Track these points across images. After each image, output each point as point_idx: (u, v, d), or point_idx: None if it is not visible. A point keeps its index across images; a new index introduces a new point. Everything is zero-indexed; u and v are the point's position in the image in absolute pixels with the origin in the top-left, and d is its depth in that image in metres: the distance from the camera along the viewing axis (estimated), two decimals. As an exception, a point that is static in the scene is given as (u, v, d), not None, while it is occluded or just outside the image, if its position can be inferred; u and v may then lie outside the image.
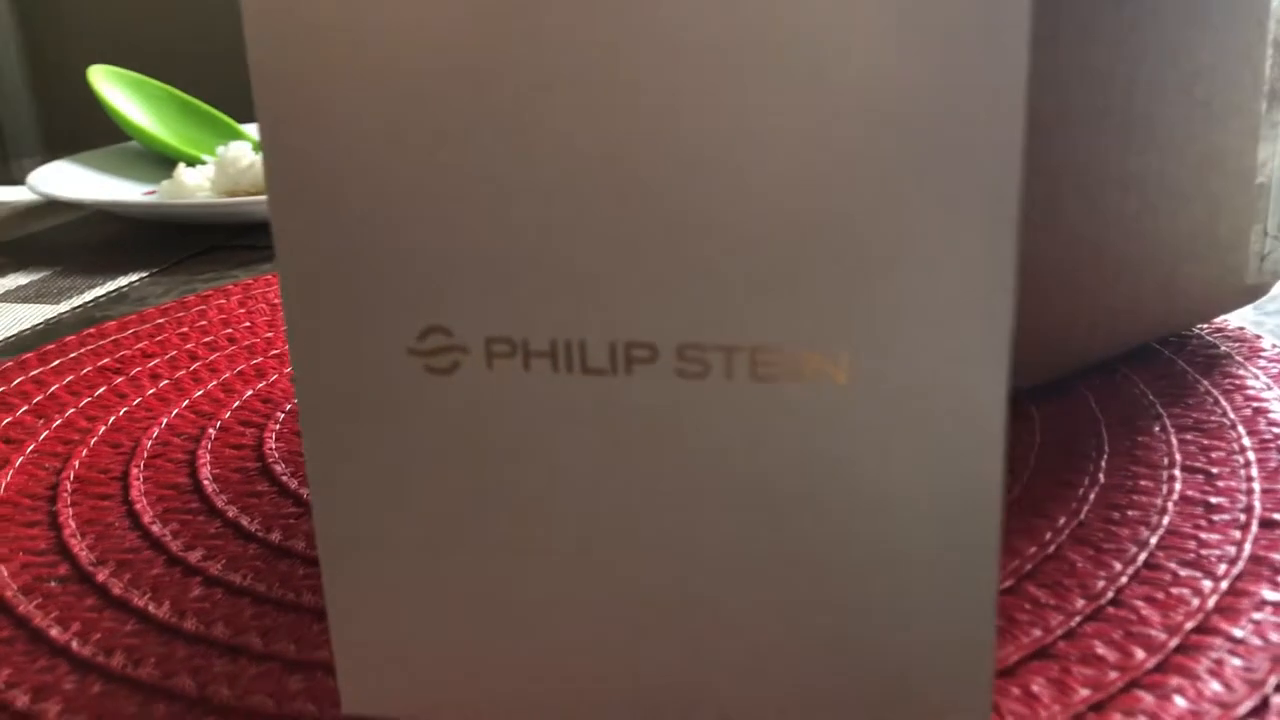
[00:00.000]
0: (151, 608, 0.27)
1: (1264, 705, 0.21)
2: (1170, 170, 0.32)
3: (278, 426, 0.36)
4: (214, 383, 0.40)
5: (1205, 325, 0.38)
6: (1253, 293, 0.35)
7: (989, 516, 0.17)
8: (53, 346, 0.45)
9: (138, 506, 0.32)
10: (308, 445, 0.19)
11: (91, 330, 0.47)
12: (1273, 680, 0.21)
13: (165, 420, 0.37)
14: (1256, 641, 0.22)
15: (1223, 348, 0.37)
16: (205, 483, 0.33)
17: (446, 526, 0.19)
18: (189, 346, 0.44)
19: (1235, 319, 0.39)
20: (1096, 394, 0.34)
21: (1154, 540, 0.26)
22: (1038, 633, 0.23)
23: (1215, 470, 0.29)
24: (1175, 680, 0.21)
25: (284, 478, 0.33)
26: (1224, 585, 0.24)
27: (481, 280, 0.18)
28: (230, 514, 0.31)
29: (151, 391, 0.40)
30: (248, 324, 0.47)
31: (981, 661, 0.18)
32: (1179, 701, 0.21)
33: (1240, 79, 0.33)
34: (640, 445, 0.18)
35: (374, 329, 0.18)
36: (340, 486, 0.19)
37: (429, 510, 0.19)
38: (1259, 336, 0.37)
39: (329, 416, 0.19)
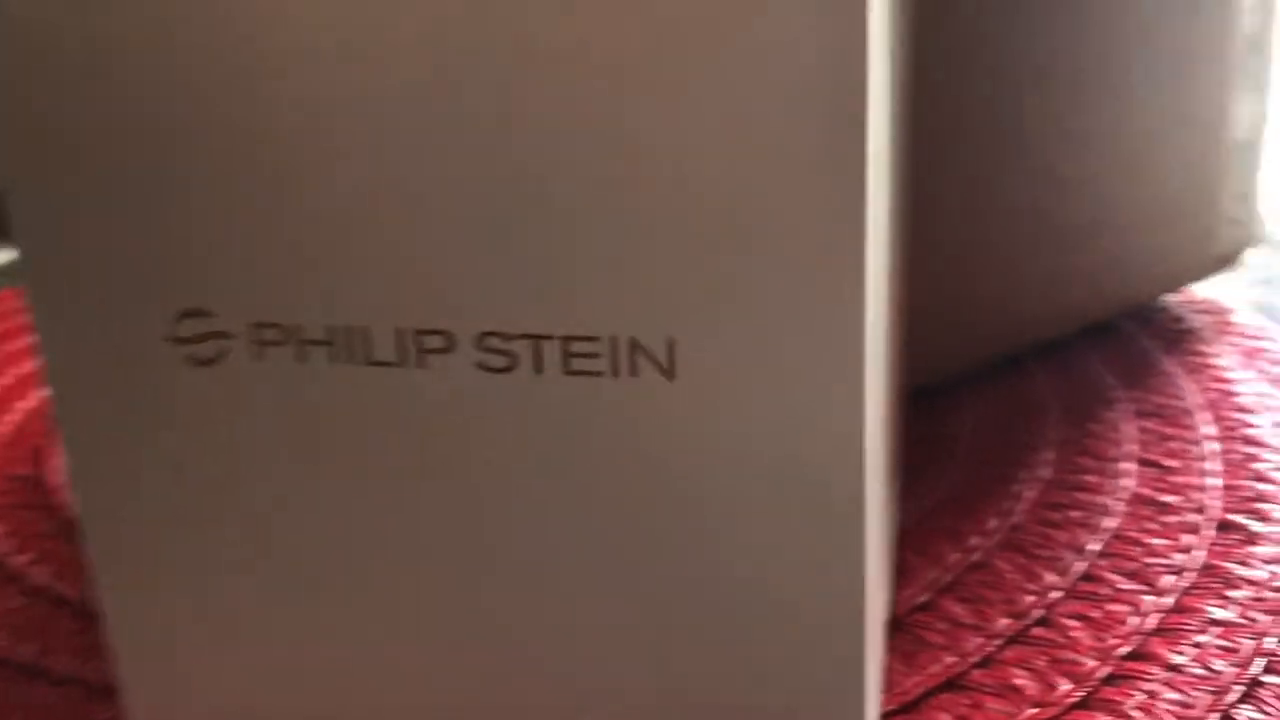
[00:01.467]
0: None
1: (1200, 752, 0.17)
2: (1127, 129, 0.28)
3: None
4: None
5: (1173, 297, 0.35)
6: (1222, 261, 0.32)
7: (851, 531, 0.14)
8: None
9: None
10: (67, 447, 0.16)
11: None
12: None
13: None
14: (1197, 671, 0.19)
15: (1191, 322, 0.33)
16: None
17: (218, 535, 0.16)
18: None
19: (1208, 290, 0.35)
20: (1046, 375, 0.31)
21: (1094, 547, 0.23)
22: (950, 659, 0.20)
23: (1171, 464, 0.26)
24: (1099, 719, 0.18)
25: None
26: (1167, 601, 0.21)
27: (246, 258, 0.15)
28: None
29: None
30: None
31: (854, 703, 0.15)
32: (1100, 747, 0.18)
33: (1210, 26, 0.29)
34: (434, 445, 0.15)
35: (126, 314, 0.15)
36: (104, 493, 0.16)
37: (199, 517, 0.16)
38: (1231, 309, 0.34)
39: (86, 415, 0.16)
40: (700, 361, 0.14)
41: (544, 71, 0.13)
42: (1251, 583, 0.21)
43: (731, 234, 0.14)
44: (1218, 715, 0.18)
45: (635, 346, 0.14)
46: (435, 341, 0.15)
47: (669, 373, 0.14)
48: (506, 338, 0.15)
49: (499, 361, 0.15)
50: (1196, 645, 0.20)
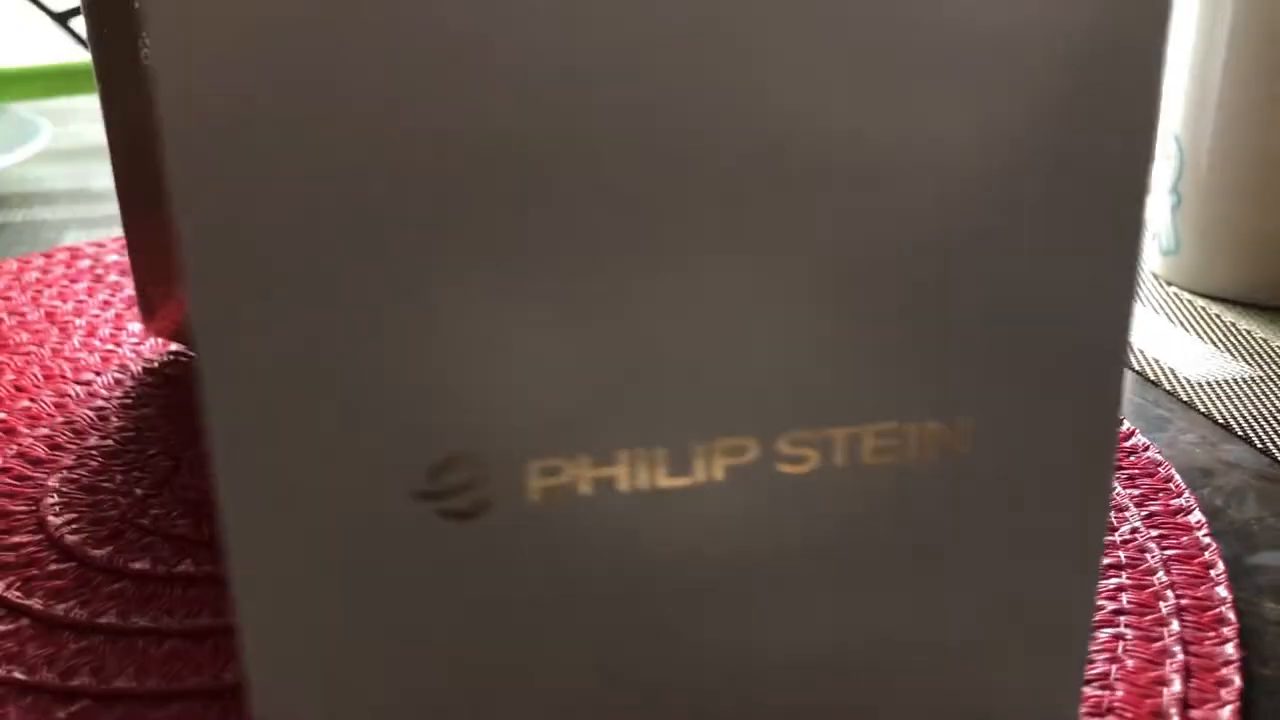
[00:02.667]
0: None
1: None
2: None
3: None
4: None
5: None
6: None
7: (1088, 588, 0.16)
8: None
9: None
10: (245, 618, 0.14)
11: None
12: None
13: None
14: None
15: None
16: None
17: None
18: None
19: None
20: None
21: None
22: None
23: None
24: None
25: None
26: None
27: (525, 389, 0.13)
28: None
29: None
30: None
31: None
32: None
33: None
34: (731, 552, 0.15)
35: (364, 469, 0.13)
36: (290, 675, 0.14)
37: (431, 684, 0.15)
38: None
39: (284, 589, 0.13)
40: (987, 434, 0.14)
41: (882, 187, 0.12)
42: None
43: (1015, 307, 0.13)
44: None
45: (934, 427, 0.14)
46: (736, 451, 0.14)
47: (969, 447, 0.15)
48: (809, 439, 0.14)
49: (798, 462, 0.14)
50: None
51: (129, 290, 0.41)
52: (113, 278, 0.42)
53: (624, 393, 0.13)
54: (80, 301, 0.40)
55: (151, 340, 0.37)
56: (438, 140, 0.12)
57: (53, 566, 0.25)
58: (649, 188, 0.12)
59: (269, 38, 0.11)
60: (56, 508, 0.27)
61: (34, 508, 0.27)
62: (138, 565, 0.25)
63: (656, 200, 0.12)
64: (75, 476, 0.29)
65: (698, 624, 0.14)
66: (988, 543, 0.15)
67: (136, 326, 0.38)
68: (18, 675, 0.22)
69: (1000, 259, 0.13)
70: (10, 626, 0.23)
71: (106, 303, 0.40)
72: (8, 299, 0.40)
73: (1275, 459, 0.30)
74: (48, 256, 0.44)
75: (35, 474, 0.29)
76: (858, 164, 0.13)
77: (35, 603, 0.24)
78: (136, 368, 0.35)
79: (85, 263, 0.44)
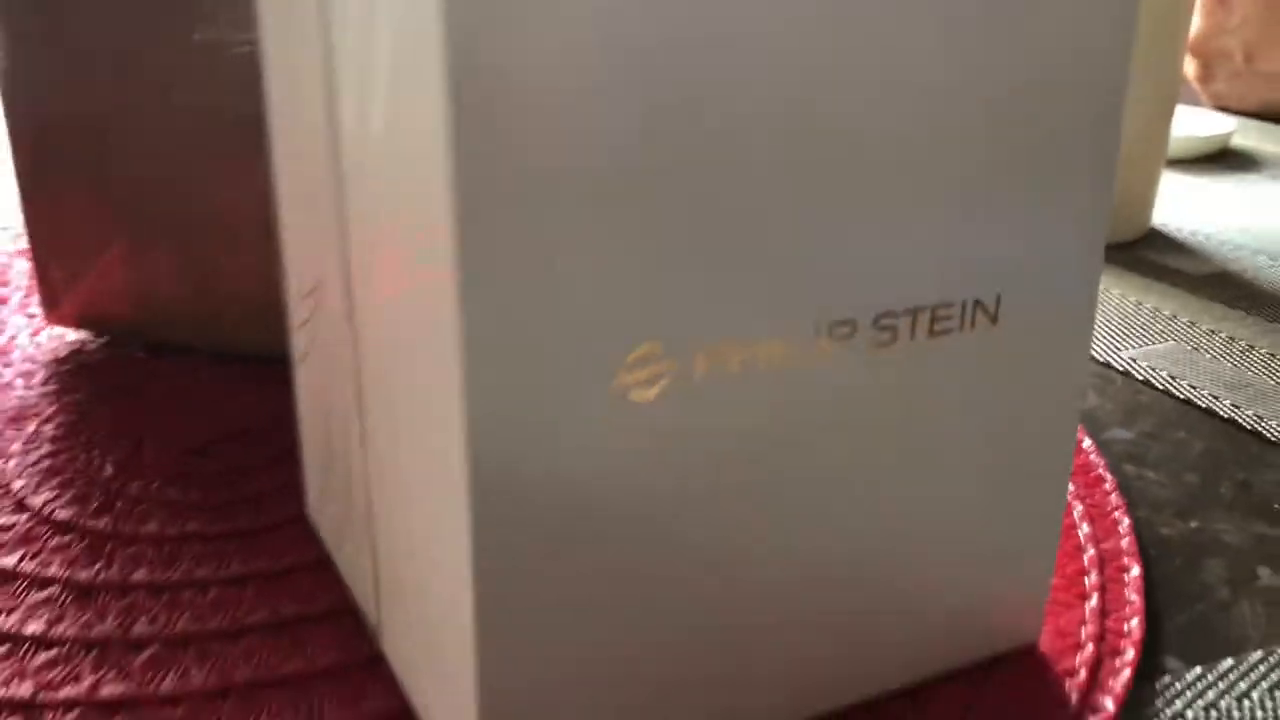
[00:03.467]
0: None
1: None
2: None
3: None
4: None
5: None
6: None
7: (1070, 432, 0.20)
8: None
9: None
10: (474, 499, 0.16)
11: None
12: None
13: None
14: None
15: None
16: None
17: (623, 566, 0.17)
18: None
19: None
20: None
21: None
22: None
23: None
24: None
25: None
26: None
27: (701, 286, 0.16)
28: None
29: None
30: None
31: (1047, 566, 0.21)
32: None
33: None
34: (836, 423, 0.18)
35: (573, 355, 0.15)
36: (511, 544, 0.16)
37: (606, 556, 0.17)
38: None
39: (508, 459, 0.16)
40: (1010, 310, 0.19)
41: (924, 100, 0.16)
42: None
43: (1029, 206, 0.18)
44: None
45: (978, 305, 0.18)
46: (843, 330, 0.17)
47: (994, 320, 0.19)
48: (894, 315, 0.18)
49: (887, 337, 0.18)
50: None
51: (-7, 287, 0.40)
52: (-32, 276, 0.41)
53: (765, 292, 0.16)
54: (-56, 300, 0.39)
55: (49, 330, 0.36)
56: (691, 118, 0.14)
57: (55, 539, 0.25)
58: (792, 156, 0.15)
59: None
60: (29, 489, 0.27)
61: (6, 491, 0.27)
62: (146, 528, 0.26)
63: (793, 161, 0.15)
64: (33, 460, 0.29)
65: (819, 500, 0.18)
66: (1009, 413, 0.19)
67: (20, 321, 0.37)
68: (72, 632, 0.22)
69: (1016, 169, 0.18)
70: (39, 595, 0.23)
71: (-27, 300, 0.39)
72: None
73: (1094, 359, 0.36)
74: (-117, 259, 0.42)
75: (-13, 461, 0.29)
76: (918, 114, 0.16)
77: (55, 569, 0.24)
78: (43, 358, 0.35)
79: (-70, 263, 0.42)
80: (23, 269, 0.42)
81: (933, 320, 0.18)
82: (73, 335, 0.36)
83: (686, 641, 0.18)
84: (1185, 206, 0.53)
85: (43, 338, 0.36)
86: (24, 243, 0.45)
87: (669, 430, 0.16)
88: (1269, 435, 0.31)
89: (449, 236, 0.14)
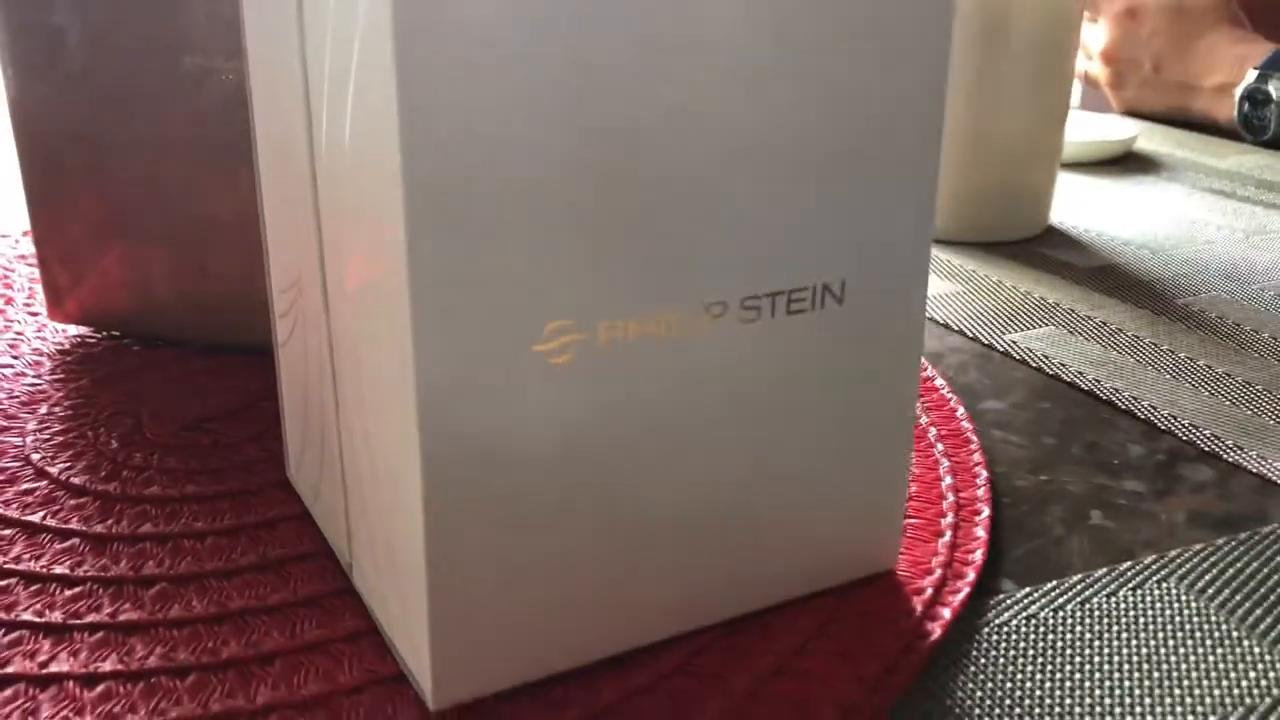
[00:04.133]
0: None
1: None
2: None
3: None
4: None
5: None
6: None
7: (912, 388, 0.25)
8: None
9: None
10: (425, 446, 0.20)
11: None
12: None
13: None
14: None
15: None
16: None
17: (547, 500, 0.22)
18: None
19: None
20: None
21: None
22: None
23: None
24: None
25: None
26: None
27: (603, 272, 0.20)
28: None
29: None
30: None
31: (895, 511, 0.26)
32: None
33: None
34: (711, 384, 0.23)
35: (501, 330, 0.20)
36: (455, 482, 0.21)
37: (534, 492, 0.22)
38: None
39: (451, 419, 0.20)
40: (859, 293, 0.23)
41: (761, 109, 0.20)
42: None
43: (866, 203, 0.23)
44: None
45: (826, 289, 0.23)
46: (716, 309, 0.22)
47: (840, 301, 0.23)
48: (758, 297, 0.22)
49: (752, 315, 0.23)
50: None
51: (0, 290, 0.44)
52: (-27, 279, 0.45)
53: (653, 278, 0.21)
54: (-47, 301, 0.43)
55: (54, 326, 0.41)
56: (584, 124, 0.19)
57: (71, 501, 0.30)
58: (671, 160, 0.20)
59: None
60: (46, 459, 0.32)
61: (23, 461, 0.32)
62: (150, 491, 0.30)
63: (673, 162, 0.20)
64: (47, 436, 0.33)
65: (702, 444, 0.22)
66: (853, 384, 0.24)
67: (25, 318, 0.41)
68: (92, 573, 0.27)
69: (852, 177, 0.22)
70: (62, 545, 0.28)
71: (-20, 300, 0.43)
72: (-125, 303, 0.42)
73: (980, 342, 0.41)
74: (-107, 264, 0.46)
75: (5, 438, 0.33)
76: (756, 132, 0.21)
77: (75, 524, 0.29)
78: (49, 349, 0.39)
79: (-63, 267, 0.46)
80: (25, 273, 0.46)
81: (789, 301, 0.23)
82: (75, 331, 0.40)
83: (596, 561, 0.23)
84: (1083, 206, 0.58)
85: (47, 333, 0.40)
86: (25, 249, 0.49)
87: (581, 389, 0.21)
88: (1120, 404, 0.36)
89: (401, 236, 0.19)
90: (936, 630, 0.25)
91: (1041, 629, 0.25)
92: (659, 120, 0.20)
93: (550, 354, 0.21)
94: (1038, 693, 0.23)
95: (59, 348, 0.39)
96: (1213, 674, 0.24)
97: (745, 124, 0.21)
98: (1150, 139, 0.72)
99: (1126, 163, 0.66)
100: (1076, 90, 0.83)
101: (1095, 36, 0.77)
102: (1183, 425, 0.35)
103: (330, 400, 0.25)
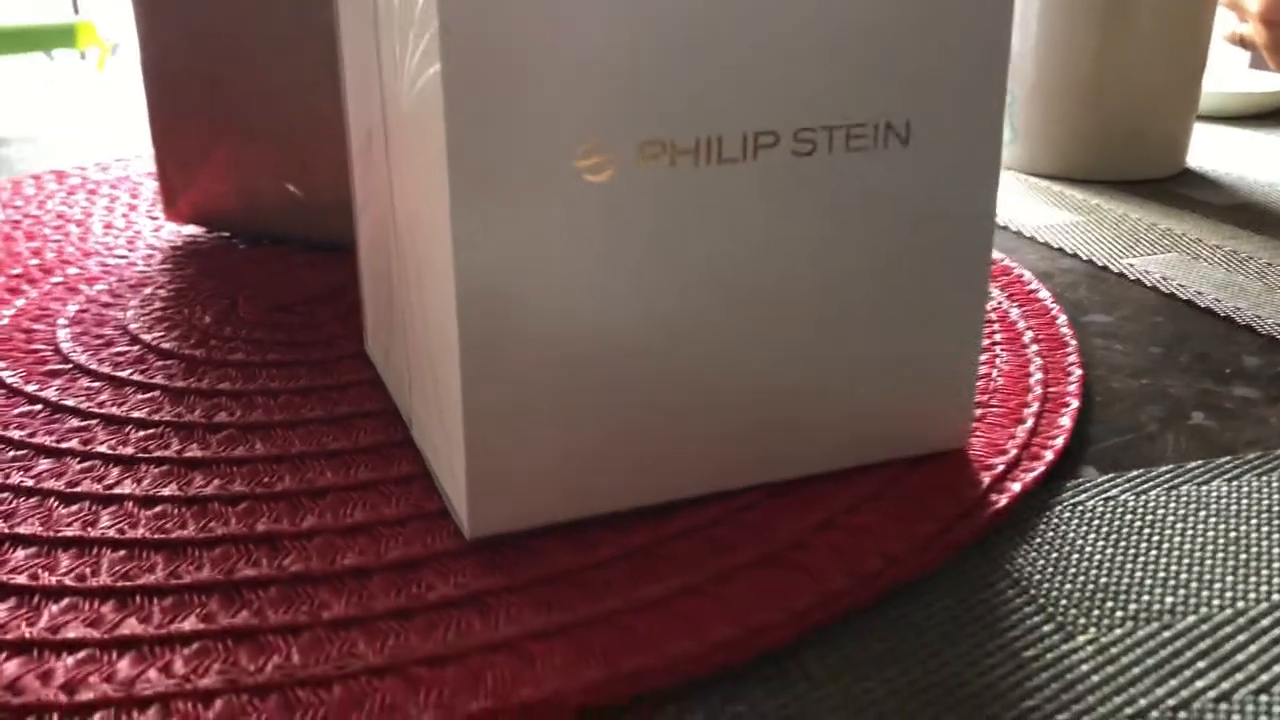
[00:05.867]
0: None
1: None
2: None
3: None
4: None
5: None
6: None
7: (984, 256, 0.24)
8: None
9: None
10: (460, 259, 0.20)
11: None
12: None
13: None
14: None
15: None
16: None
17: (586, 342, 0.22)
18: None
19: None
20: None
21: None
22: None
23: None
24: None
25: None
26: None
27: (635, 92, 0.20)
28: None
29: None
30: None
31: (970, 372, 0.25)
32: None
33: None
34: (761, 220, 0.22)
35: (540, 147, 0.20)
36: (491, 318, 0.20)
37: (572, 332, 0.21)
38: None
39: (484, 252, 0.20)
40: (925, 134, 0.22)
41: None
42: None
43: (931, 46, 0.21)
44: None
45: (889, 127, 0.22)
46: (767, 139, 0.21)
47: (906, 142, 0.22)
48: (813, 130, 0.21)
49: (806, 148, 0.22)
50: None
51: (125, 198, 0.46)
52: (105, 190, 0.47)
53: (701, 97, 0.20)
54: (84, 207, 0.45)
55: (169, 227, 0.42)
56: None
57: (159, 362, 0.31)
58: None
59: None
60: (143, 328, 0.33)
61: (121, 330, 0.33)
62: (234, 357, 0.31)
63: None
64: (148, 312, 0.34)
65: (748, 295, 0.22)
66: (917, 238, 0.23)
67: (146, 221, 0.43)
68: (167, 419, 0.27)
69: (907, 11, 0.21)
70: (144, 396, 0.29)
71: (109, 208, 0.45)
72: (14, 207, 0.45)
73: (1095, 264, 0.39)
74: (36, 178, 0.49)
75: (110, 312, 0.34)
76: None
77: (159, 380, 0.30)
78: (161, 245, 0.40)
79: (74, 179, 0.48)
80: (152, 187, 0.48)
81: (848, 138, 0.22)
82: (187, 230, 0.42)
83: (634, 409, 0.22)
84: (1226, 153, 0.55)
85: (164, 233, 0.42)
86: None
87: (619, 213, 0.21)
88: (1239, 320, 0.34)
89: (436, 56, 0.19)
90: (1002, 501, 0.23)
91: (1120, 510, 0.24)
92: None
93: (587, 170, 0.20)
94: (1107, 565, 0.22)
95: (170, 244, 0.41)
96: (1309, 559, 0.22)
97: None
98: (1311, 98, 0.68)
99: (1278, 118, 0.63)
100: (1243, 56, 0.78)
101: (1252, -3, 0.72)
102: (1309, 342, 0.32)
103: (394, 260, 0.25)
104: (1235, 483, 0.25)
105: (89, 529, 0.23)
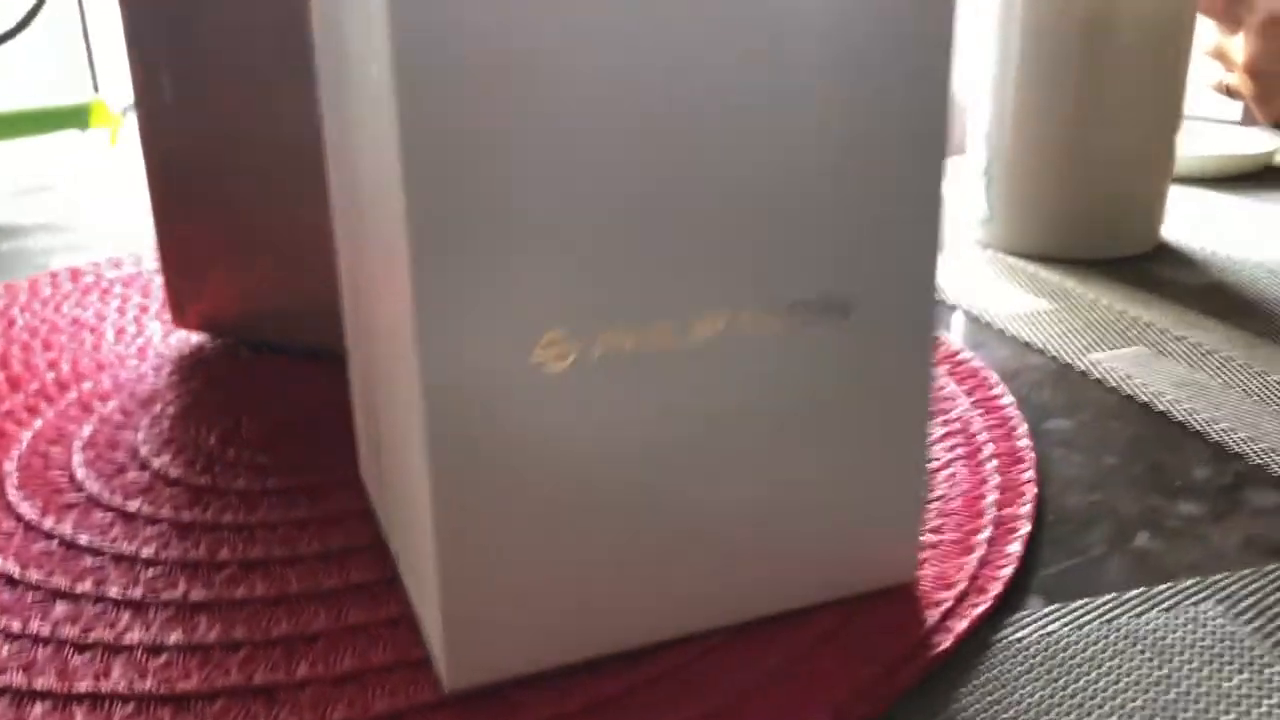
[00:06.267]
0: (132, 470, 0.28)
1: None
2: None
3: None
4: None
5: None
6: None
7: (924, 406, 0.26)
8: None
9: None
10: (430, 447, 0.22)
11: None
12: None
13: None
14: None
15: None
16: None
17: (555, 501, 0.24)
18: None
19: None
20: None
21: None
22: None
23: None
24: None
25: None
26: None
27: (600, 283, 0.22)
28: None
29: None
30: None
31: (914, 520, 0.27)
32: None
33: None
34: (711, 396, 0.24)
35: (502, 339, 0.22)
36: (462, 483, 0.22)
37: (541, 493, 0.23)
38: None
39: (455, 422, 0.22)
40: (865, 309, 0.24)
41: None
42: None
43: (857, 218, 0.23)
44: None
45: (831, 303, 0.24)
46: (716, 322, 0.23)
47: (846, 316, 0.24)
48: (759, 311, 0.23)
49: (753, 328, 0.23)
50: None
51: (136, 299, 0.48)
52: (118, 290, 0.49)
53: (654, 287, 0.22)
54: (98, 309, 0.47)
55: (177, 334, 0.44)
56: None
57: (167, 491, 0.33)
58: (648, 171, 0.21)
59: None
60: (151, 452, 0.35)
61: (133, 454, 0.35)
62: (236, 484, 0.33)
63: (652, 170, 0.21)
64: (157, 432, 0.36)
65: (702, 461, 0.24)
66: (860, 399, 0.25)
67: (156, 326, 0.45)
68: (174, 556, 0.29)
69: (846, 195, 0.23)
70: (153, 530, 0.31)
71: (120, 310, 0.47)
72: (33, 311, 0.47)
73: (1060, 361, 0.41)
74: (53, 276, 0.51)
75: (122, 433, 0.36)
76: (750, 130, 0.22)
77: (166, 512, 0.32)
78: (171, 355, 0.43)
79: (89, 278, 0.51)
80: (161, 283, 0.50)
81: (792, 315, 0.24)
82: (195, 338, 0.44)
83: (601, 563, 0.24)
84: (1203, 223, 0.56)
85: (172, 339, 0.44)
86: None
87: (579, 397, 0.23)
88: (1193, 426, 0.35)
89: (408, 257, 0.21)
90: (946, 641, 0.25)
91: (1057, 647, 0.25)
92: (660, 133, 0.21)
93: (547, 363, 0.22)
94: (1037, 709, 0.23)
95: (179, 353, 0.43)
96: (1232, 696, 0.24)
97: (747, 141, 0.22)
98: (1297, 153, 0.69)
99: (1264, 178, 0.64)
100: (1235, 105, 0.79)
101: (1236, 47, 0.74)
102: (1258, 449, 0.34)
103: (380, 400, 0.27)
104: (1170, 613, 0.26)
105: (101, 681, 0.25)
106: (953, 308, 0.46)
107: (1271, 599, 0.27)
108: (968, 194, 0.53)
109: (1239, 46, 0.73)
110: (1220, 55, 0.76)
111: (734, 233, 0.23)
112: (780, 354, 0.24)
